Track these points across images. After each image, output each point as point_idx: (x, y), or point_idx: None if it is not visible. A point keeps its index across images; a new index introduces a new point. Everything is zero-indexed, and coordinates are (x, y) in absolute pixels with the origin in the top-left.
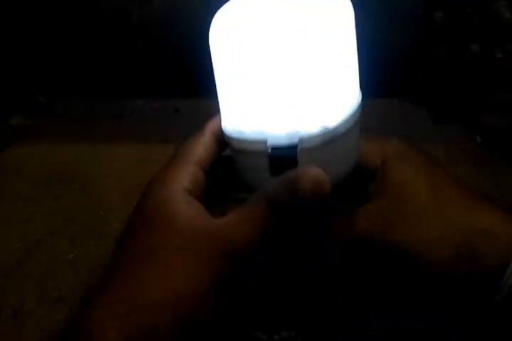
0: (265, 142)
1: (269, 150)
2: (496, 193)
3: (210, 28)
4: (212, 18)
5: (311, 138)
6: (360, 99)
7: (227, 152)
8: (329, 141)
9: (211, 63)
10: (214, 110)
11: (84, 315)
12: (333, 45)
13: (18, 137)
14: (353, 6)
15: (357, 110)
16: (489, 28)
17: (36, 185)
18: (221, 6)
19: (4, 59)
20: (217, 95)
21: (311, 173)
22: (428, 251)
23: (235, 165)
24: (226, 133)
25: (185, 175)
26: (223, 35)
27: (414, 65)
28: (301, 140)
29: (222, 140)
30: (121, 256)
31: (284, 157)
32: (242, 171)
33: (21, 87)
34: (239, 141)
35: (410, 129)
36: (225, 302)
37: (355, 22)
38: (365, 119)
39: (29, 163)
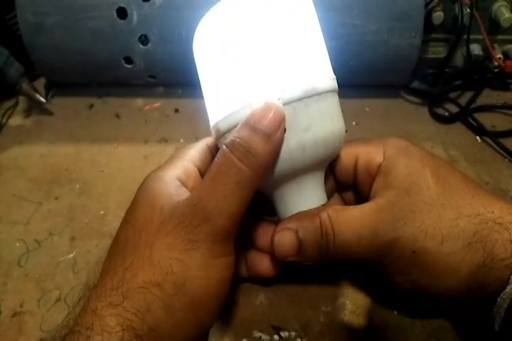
0: (250, 105)
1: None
2: (496, 193)
3: (198, 27)
4: None
5: (292, 88)
6: (334, 76)
7: None
8: (309, 97)
9: None
10: None
11: (83, 309)
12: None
13: (18, 137)
14: (353, 7)
15: (332, 81)
16: (489, 28)
17: (36, 185)
18: None
19: (4, 59)
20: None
21: (261, 104)
22: (441, 245)
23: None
24: (215, 124)
25: (176, 167)
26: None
27: (415, 64)
28: (282, 90)
29: (214, 150)
30: (113, 246)
31: None
32: None
33: (21, 86)
34: (226, 118)
35: (410, 129)
36: (214, 269)
37: (356, 21)
38: (365, 119)
39: (29, 163)
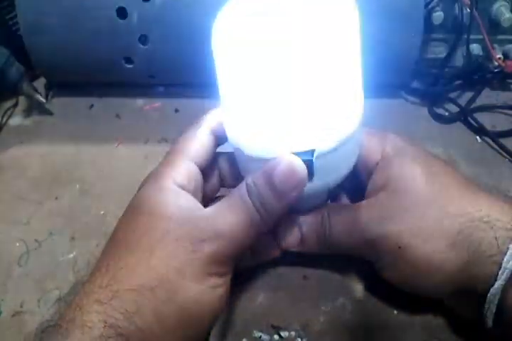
0: (282, 155)
1: None
2: (496, 193)
3: (214, 35)
4: (212, 17)
5: (329, 141)
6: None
7: (221, 148)
8: (342, 145)
9: (211, 63)
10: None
11: (68, 305)
12: (344, 52)
13: (18, 137)
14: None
15: (362, 115)
16: (489, 28)
17: (36, 185)
18: (220, 5)
19: (4, 59)
20: (216, 96)
21: (285, 159)
22: (425, 243)
23: (239, 166)
24: (235, 141)
25: (179, 171)
26: (230, 43)
27: (415, 64)
28: (319, 143)
29: (219, 135)
30: (108, 245)
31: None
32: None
33: (21, 86)
34: (252, 149)
35: (410, 129)
36: (210, 285)
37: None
38: (365, 119)
39: (29, 163)
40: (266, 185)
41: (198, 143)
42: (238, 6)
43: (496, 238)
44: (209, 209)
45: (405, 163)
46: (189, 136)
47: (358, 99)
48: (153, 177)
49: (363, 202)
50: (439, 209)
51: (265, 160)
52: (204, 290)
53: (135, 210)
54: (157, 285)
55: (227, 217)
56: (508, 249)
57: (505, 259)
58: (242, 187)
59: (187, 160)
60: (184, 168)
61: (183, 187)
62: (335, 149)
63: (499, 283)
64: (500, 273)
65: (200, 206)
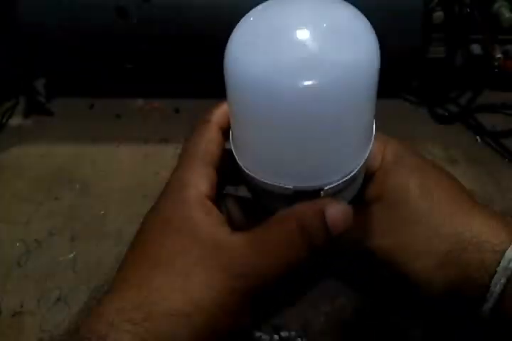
0: (290, 187)
1: (293, 192)
2: (496, 193)
3: (229, 56)
4: (211, 17)
5: (335, 185)
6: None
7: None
8: (350, 182)
9: (211, 63)
10: None
11: (96, 316)
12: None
13: (18, 137)
14: (353, 6)
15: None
16: (489, 28)
17: (36, 185)
18: (220, 5)
19: (4, 59)
20: (216, 95)
21: (339, 203)
22: (414, 261)
23: (246, 186)
24: (244, 168)
25: (203, 179)
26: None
27: (414, 64)
28: (325, 187)
29: (226, 133)
30: (137, 258)
31: (306, 197)
32: (256, 195)
33: (21, 86)
34: (260, 181)
35: (410, 129)
36: (243, 315)
37: None
38: None
39: (29, 163)
40: (320, 224)
41: (213, 145)
42: (253, 29)
43: (483, 261)
44: (246, 238)
45: (402, 176)
46: (201, 136)
47: (369, 142)
48: (176, 185)
49: (357, 215)
50: (430, 228)
51: (276, 193)
52: (235, 320)
53: (164, 225)
54: (193, 312)
55: (259, 258)
56: (495, 272)
57: (492, 282)
58: (289, 222)
59: (205, 164)
60: (205, 175)
61: (207, 196)
62: (340, 190)
63: (487, 306)
64: (488, 295)
65: (230, 229)
